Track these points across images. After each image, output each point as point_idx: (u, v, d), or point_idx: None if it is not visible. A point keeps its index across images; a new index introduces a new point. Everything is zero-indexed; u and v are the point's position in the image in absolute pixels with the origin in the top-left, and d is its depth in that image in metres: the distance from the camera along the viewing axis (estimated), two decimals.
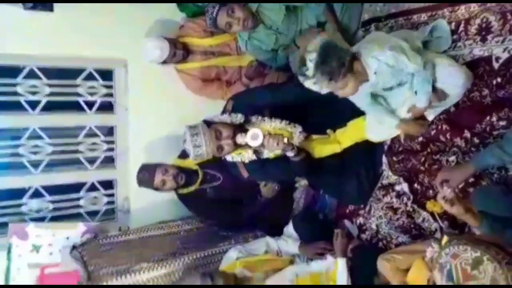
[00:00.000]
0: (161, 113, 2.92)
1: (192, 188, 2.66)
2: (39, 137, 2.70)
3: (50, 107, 2.72)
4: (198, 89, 2.87)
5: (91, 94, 2.79)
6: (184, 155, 2.72)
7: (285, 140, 2.09)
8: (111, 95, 2.86)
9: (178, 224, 2.87)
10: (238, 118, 2.25)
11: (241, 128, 2.20)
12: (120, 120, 2.87)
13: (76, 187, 2.88)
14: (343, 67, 1.70)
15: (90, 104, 2.81)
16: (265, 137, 2.07)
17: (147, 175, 2.58)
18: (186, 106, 2.95)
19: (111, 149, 2.91)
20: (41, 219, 2.76)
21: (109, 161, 2.94)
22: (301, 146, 2.24)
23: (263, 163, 2.25)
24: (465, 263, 1.10)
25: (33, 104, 2.65)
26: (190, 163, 2.70)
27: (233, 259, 2.51)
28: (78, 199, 2.86)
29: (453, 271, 1.11)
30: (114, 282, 2.37)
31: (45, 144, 2.71)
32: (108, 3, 2.68)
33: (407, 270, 1.87)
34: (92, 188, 2.89)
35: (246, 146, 2.17)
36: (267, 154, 2.22)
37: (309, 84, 2.04)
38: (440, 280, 1.14)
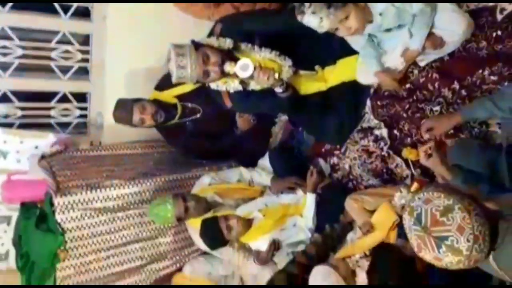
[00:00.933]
0: (143, 25, 2.73)
1: (171, 123, 2.59)
2: (9, 38, 2.52)
3: (23, 7, 2.52)
4: (184, 5, 2.67)
5: None
6: (162, 85, 2.62)
7: (276, 75, 2.00)
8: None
9: (152, 145, 2.85)
10: (227, 43, 2.11)
11: (230, 56, 2.08)
12: (97, 28, 2.68)
13: (47, 96, 2.75)
14: None
15: (65, 8, 2.59)
16: (255, 69, 1.97)
17: (124, 113, 2.47)
18: (170, 22, 2.76)
19: (86, 60, 2.75)
20: (9, 126, 2.66)
21: (83, 72, 2.80)
22: (289, 81, 2.16)
23: (248, 94, 2.18)
24: (436, 209, 1.11)
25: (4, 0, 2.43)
26: (169, 96, 2.60)
27: (205, 184, 2.54)
28: (49, 109, 2.75)
29: (422, 215, 1.12)
30: (83, 195, 2.37)
31: (15, 46, 2.54)
32: None
33: (373, 211, 1.94)
34: (64, 99, 2.76)
35: (233, 75, 2.07)
36: (253, 86, 2.13)
37: (307, 20, 1.92)
38: (408, 222, 1.17)
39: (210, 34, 2.41)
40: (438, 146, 1.46)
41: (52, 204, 2.34)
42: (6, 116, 2.64)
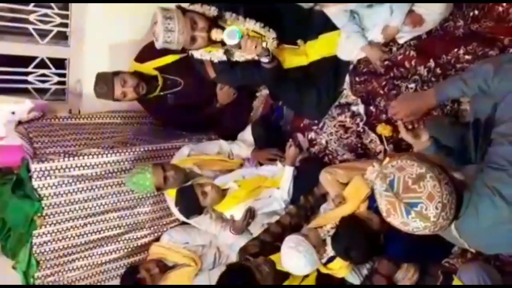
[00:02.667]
0: None
1: (152, 96, 2.57)
2: None
3: None
4: None
5: None
6: (142, 57, 2.58)
7: (264, 44, 1.98)
8: None
9: (133, 115, 2.83)
10: (211, 10, 2.07)
11: (216, 24, 2.05)
12: None
13: (25, 61, 2.69)
14: None
15: None
16: (243, 37, 1.95)
17: (105, 87, 2.42)
18: None
19: (66, 25, 2.67)
20: None
21: (62, 37, 2.72)
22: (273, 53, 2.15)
23: (232, 65, 2.16)
24: (409, 176, 1.15)
25: None
26: (149, 68, 2.56)
27: (185, 155, 2.56)
28: (26, 74, 2.69)
29: (395, 182, 1.16)
30: (61, 162, 2.35)
31: None
32: None
33: (346, 184, 2.00)
34: (43, 64, 2.70)
35: (218, 44, 2.05)
36: (238, 56, 2.12)
37: None
38: (379, 188, 1.20)
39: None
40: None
41: (29, 170, 2.32)
42: None
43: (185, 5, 2.08)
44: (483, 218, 1.18)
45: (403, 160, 1.20)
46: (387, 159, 1.83)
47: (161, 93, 2.57)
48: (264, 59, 2.07)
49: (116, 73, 2.46)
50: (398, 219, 1.17)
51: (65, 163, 2.37)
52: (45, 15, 2.59)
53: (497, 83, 1.19)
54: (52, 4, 2.59)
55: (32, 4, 2.53)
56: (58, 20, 2.63)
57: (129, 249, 2.63)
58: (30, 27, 2.58)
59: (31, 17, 2.56)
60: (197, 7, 2.05)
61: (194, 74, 2.43)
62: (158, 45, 2.02)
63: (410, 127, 1.46)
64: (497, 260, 1.64)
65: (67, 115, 2.73)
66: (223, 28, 1.98)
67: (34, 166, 2.30)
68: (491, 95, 1.22)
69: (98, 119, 2.76)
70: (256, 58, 2.08)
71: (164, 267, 2.50)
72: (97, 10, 2.64)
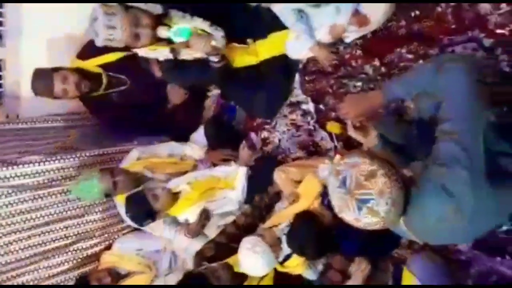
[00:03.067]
0: None
1: (96, 94, 2.44)
2: None
3: None
4: None
5: None
6: (84, 53, 2.44)
7: (213, 42, 1.94)
8: None
9: (76, 118, 2.69)
10: (156, 8, 1.99)
11: (161, 22, 1.97)
12: None
13: None
14: None
15: None
16: (192, 35, 1.90)
17: (43, 84, 2.27)
18: None
19: (1, 24, 2.48)
20: None
21: None
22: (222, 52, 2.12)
23: (179, 64, 2.09)
24: (361, 173, 1.17)
25: None
26: (92, 65, 2.43)
27: (134, 158, 2.48)
28: None
29: (347, 178, 1.18)
30: None
31: None
32: None
33: (299, 182, 2.02)
34: None
35: (164, 42, 1.98)
36: (185, 54, 2.05)
37: None
38: (333, 184, 1.22)
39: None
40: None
41: None
42: None
43: None
44: (429, 213, 1.23)
45: (355, 157, 1.22)
46: (338, 156, 1.89)
47: (105, 92, 2.45)
48: (213, 58, 2.04)
49: (55, 69, 2.32)
50: (350, 215, 1.20)
51: (3, 173, 2.22)
52: None
53: (439, 82, 1.24)
54: None
55: None
56: None
57: (79, 260, 2.51)
58: None
59: None
60: (141, 4, 1.97)
61: (141, 73, 2.35)
62: (99, 42, 1.91)
63: (358, 125, 1.49)
64: (443, 250, 1.72)
65: (4, 120, 2.54)
66: (169, 26, 1.92)
67: None
68: (433, 94, 1.27)
69: (39, 123, 2.60)
70: (205, 56, 2.04)
71: (117, 276, 2.41)
72: (33, 7, 2.47)
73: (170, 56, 2.05)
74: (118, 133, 2.67)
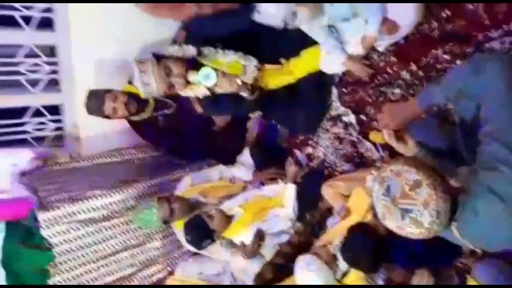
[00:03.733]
0: (108, 30, 2.68)
1: (144, 116, 2.60)
2: None
3: None
4: (148, 6, 2.66)
5: (27, 8, 2.54)
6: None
7: (238, 81, 2.04)
8: (49, 10, 2.60)
9: (131, 152, 2.85)
10: (190, 50, 2.14)
11: (194, 63, 2.11)
12: (61, 38, 2.63)
13: (20, 111, 2.74)
14: None
15: (27, 20, 2.54)
16: (218, 77, 2.02)
17: (96, 102, 2.44)
18: (135, 22, 2.73)
19: (55, 72, 2.73)
20: None
21: (54, 83, 2.78)
22: (257, 78, 2.20)
23: (218, 98, 2.21)
24: (406, 182, 1.16)
25: None
26: None
27: (188, 185, 2.58)
28: (22, 124, 2.73)
29: (392, 187, 1.18)
30: (67, 208, 2.38)
31: None
32: None
33: (348, 196, 2.01)
34: (38, 113, 2.75)
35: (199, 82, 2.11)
36: (220, 90, 2.16)
37: (264, 18, 1.95)
38: (376, 192, 1.22)
39: (174, 41, 2.42)
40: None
41: (36, 220, 2.34)
42: None
43: None
44: (482, 219, 1.19)
45: (401, 166, 1.21)
46: (384, 165, 1.86)
47: (152, 114, 2.59)
48: (243, 93, 2.13)
49: (108, 90, 2.49)
50: (393, 223, 1.20)
51: (71, 209, 2.39)
52: (35, 65, 2.66)
53: (475, 83, 1.21)
54: (40, 53, 2.65)
55: (22, 56, 2.60)
56: (47, 67, 2.69)
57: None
58: (21, 78, 2.64)
59: (21, 69, 2.63)
60: (175, 49, 2.11)
61: (186, 98, 2.47)
62: (142, 96, 2.13)
63: (396, 132, 1.48)
64: (504, 254, 1.63)
65: (67, 160, 2.76)
66: (200, 67, 2.04)
67: (41, 216, 2.33)
68: (471, 96, 1.24)
69: (98, 159, 2.79)
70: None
71: None
72: (83, 51, 2.67)
73: (208, 93, 2.16)
74: (171, 162, 2.81)
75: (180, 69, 2.05)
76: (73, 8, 2.59)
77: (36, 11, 2.55)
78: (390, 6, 1.83)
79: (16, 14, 2.51)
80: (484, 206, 1.18)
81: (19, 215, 2.53)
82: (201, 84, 2.05)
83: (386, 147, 1.99)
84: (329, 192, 2.04)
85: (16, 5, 2.48)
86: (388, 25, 1.85)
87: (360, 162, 2.18)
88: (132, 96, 2.50)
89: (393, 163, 1.25)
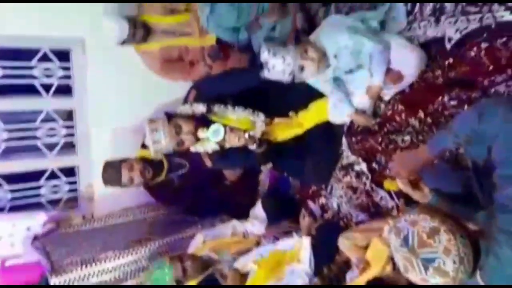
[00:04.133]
0: (122, 94, 2.83)
1: (159, 179, 2.63)
2: None
3: (4, 91, 2.61)
4: (160, 70, 2.79)
5: (47, 76, 2.68)
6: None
7: (246, 135, 2.11)
8: (68, 77, 2.74)
9: (143, 210, 2.86)
10: (200, 108, 2.24)
11: (203, 120, 2.18)
12: (79, 103, 2.77)
13: (36, 175, 2.79)
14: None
15: (46, 87, 2.69)
16: (226, 133, 2.09)
17: (113, 174, 2.49)
18: (148, 87, 2.88)
19: (71, 135, 2.82)
20: (0, 210, 2.68)
21: (69, 146, 2.86)
22: (265, 132, 2.26)
23: (227, 152, 2.26)
24: (423, 230, 1.13)
25: None
26: None
27: (200, 242, 2.54)
28: (38, 187, 2.78)
29: (409, 237, 1.14)
30: (79, 271, 2.35)
31: (0, 130, 2.61)
32: None
33: (366, 247, 1.94)
34: (53, 175, 2.80)
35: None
36: (229, 144, 2.22)
37: (272, 64, 2.03)
38: (394, 243, 1.18)
39: (185, 100, 2.51)
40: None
41: (48, 284, 2.31)
42: None
43: None
44: (507, 264, 1.14)
45: (415, 214, 1.19)
46: (399, 215, 1.82)
47: (167, 176, 2.61)
48: (252, 147, 2.17)
49: (123, 160, 2.54)
50: (417, 276, 1.14)
51: (83, 272, 2.37)
52: (51, 129, 2.76)
53: (484, 127, 1.21)
54: (57, 117, 2.75)
55: (39, 121, 2.69)
56: (64, 131, 2.78)
57: None
58: (38, 142, 2.73)
59: (38, 133, 2.72)
60: (186, 108, 2.20)
61: (198, 155, 2.49)
62: (152, 154, 2.22)
63: (411, 179, 1.46)
64: None
65: (80, 222, 2.76)
66: (209, 124, 2.11)
67: (53, 280, 2.31)
68: (481, 140, 1.23)
69: (111, 220, 2.79)
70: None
71: None
72: (99, 115, 2.79)
73: (217, 147, 2.23)
74: (183, 219, 2.79)
75: (190, 126, 2.13)
76: (91, 74, 2.72)
77: (55, 79, 2.69)
78: (393, 56, 1.88)
79: (36, 82, 2.65)
80: (507, 252, 1.13)
81: (32, 280, 2.50)
82: (211, 140, 2.09)
83: (401, 194, 1.96)
84: (345, 244, 1.98)
85: (36, 73, 2.63)
86: (392, 75, 1.89)
87: (376, 212, 2.14)
88: (147, 162, 2.56)
89: (406, 213, 1.23)
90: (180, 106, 2.32)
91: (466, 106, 1.73)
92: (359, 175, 2.21)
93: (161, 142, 2.10)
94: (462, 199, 1.43)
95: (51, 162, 2.79)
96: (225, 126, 2.15)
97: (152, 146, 2.12)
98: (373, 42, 1.80)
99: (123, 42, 2.55)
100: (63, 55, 2.72)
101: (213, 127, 2.12)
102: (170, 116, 2.19)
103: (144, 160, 2.57)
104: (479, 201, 1.36)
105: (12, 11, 2.46)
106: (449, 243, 1.11)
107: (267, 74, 1.94)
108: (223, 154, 2.25)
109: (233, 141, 2.11)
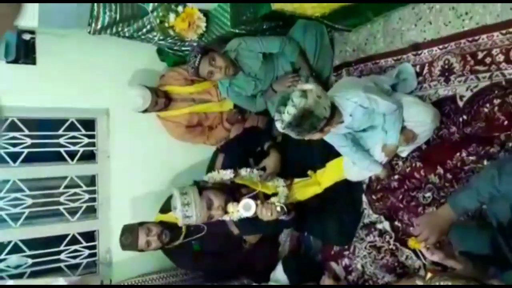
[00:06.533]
0: (144, 160, 2.92)
1: (177, 243, 2.62)
2: (20, 190, 2.64)
3: (31, 158, 2.70)
4: (181, 135, 2.90)
5: (73, 144, 2.80)
6: (166, 207, 2.69)
7: (278, 208, 2.10)
8: (93, 144, 2.86)
9: (162, 276, 2.80)
10: (228, 174, 2.29)
11: (233, 194, 2.21)
12: (102, 168, 2.85)
13: (56, 240, 2.80)
14: (313, 130, 1.69)
15: (71, 154, 2.79)
16: (257, 207, 2.09)
17: (130, 238, 2.48)
18: (169, 152, 2.97)
19: (93, 199, 2.87)
20: (20, 275, 2.66)
21: (91, 211, 2.89)
22: (287, 196, 2.27)
23: (253, 219, 2.23)
24: None
25: (14, 156, 2.61)
26: (172, 217, 2.64)
27: None
28: (58, 252, 2.77)
29: None
30: None
31: (25, 196, 2.65)
32: (90, 55, 2.74)
33: None
34: (73, 240, 2.81)
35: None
36: (261, 217, 2.20)
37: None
38: None
39: (211, 166, 2.58)
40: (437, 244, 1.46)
41: None
42: (17, 267, 2.64)
43: None
44: None
45: (438, 281, 1.15)
46: (429, 274, 1.74)
47: (185, 240, 2.59)
48: (283, 217, 2.16)
49: (141, 224, 2.53)
50: None
51: None
52: (74, 194, 2.81)
53: (505, 185, 1.21)
54: (80, 183, 2.82)
55: (62, 188, 2.76)
56: (86, 196, 2.83)
57: None
58: (61, 207, 2.77)
59: (62, 198, 2.77)
60: (215, 175, 2.24)
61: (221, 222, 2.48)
62: (180, 224, 2.20)
63: (437, 245, 1.43)
64: None
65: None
66: (239, 198, 2.14)
67: None
68: (504, 197, 1.22)
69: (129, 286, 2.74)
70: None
71: None
72: (120, 180, 2.86)
73: (244, 216, 2.21)
74: (201, 283, 2.72)
75: (220, 201, 2.14)
76: (114, 141, 2.85)
77: (80, 146, 2.80)
78: (406, 114, 1.90)
79: (62, 150, 2.76)
80: None
81: None
82: (241, 214, 2.11)
83: None
84: None
85: (62, 141, 2.76)
86: (407, 134, 1.91)
87: (403, 272, 2.06)
88: (165, 226, 2.55)
89: (438, 279, 1.19)
90: (208, 174, 2.34)
91: (485, 161, 1.73)
92: (382, 233, 2.16)
93: (192, 218, 2.10)
94: (491, 260, 1.38)
95: (73, 226, 2.81)
96: (255, 198, 2.14)
97: (183, 220, 2.11)
98: (387, 101, 1.84)
99: (145, 110, 2.68)
100: (89, 124, 2.86)
101: (244, 201, 2.11)
102: (200, 188, 2.19)
103: (162, 224, 2.58)
104: (509, 262, 1.31)
105: (44, 85, 2.62)
106: None
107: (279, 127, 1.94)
108: (250, 221, 2.22)
109: (266, 216, 2.08)
